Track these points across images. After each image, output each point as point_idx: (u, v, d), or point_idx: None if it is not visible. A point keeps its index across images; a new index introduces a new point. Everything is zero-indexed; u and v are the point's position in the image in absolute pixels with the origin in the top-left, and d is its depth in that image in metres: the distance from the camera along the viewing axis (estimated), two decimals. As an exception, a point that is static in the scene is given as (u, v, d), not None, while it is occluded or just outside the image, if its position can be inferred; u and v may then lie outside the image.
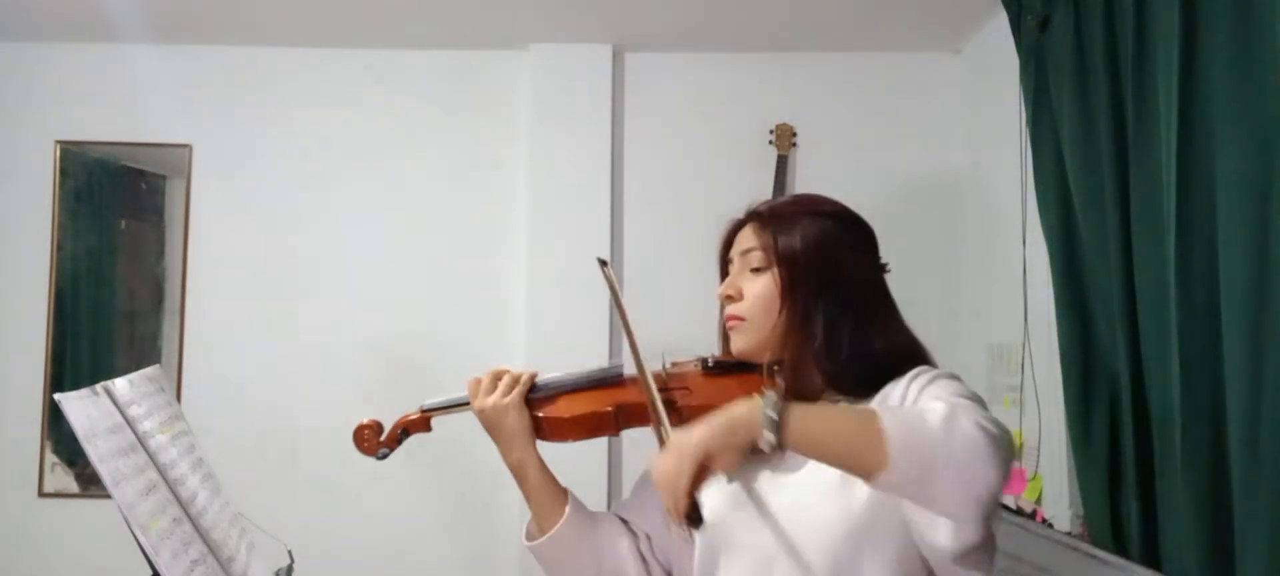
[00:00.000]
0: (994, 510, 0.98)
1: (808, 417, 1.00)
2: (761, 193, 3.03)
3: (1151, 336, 1.81)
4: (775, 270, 1.22)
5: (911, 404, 1.10)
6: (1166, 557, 1.79)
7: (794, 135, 3.10)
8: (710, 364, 1.35)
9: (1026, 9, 2.29)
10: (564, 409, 1.33)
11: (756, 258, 1.25)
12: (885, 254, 1.30)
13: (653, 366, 1.32)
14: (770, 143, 3.09)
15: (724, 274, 1.32)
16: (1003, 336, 2.58)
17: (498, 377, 1.35)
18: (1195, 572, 1.67)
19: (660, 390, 1.25)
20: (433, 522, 3.04)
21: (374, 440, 1.37)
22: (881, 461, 0.95)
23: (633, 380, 1.34)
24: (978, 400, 1.07)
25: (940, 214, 3.07)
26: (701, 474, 1.02)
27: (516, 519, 2.89)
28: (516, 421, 1.32)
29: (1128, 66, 1.88)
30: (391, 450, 1.38)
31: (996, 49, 2.62)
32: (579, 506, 1.36)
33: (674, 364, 1.41)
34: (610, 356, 2.98)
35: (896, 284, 1.30)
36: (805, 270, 1.21)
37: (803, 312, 1.20)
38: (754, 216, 1.29)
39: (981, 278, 2.62)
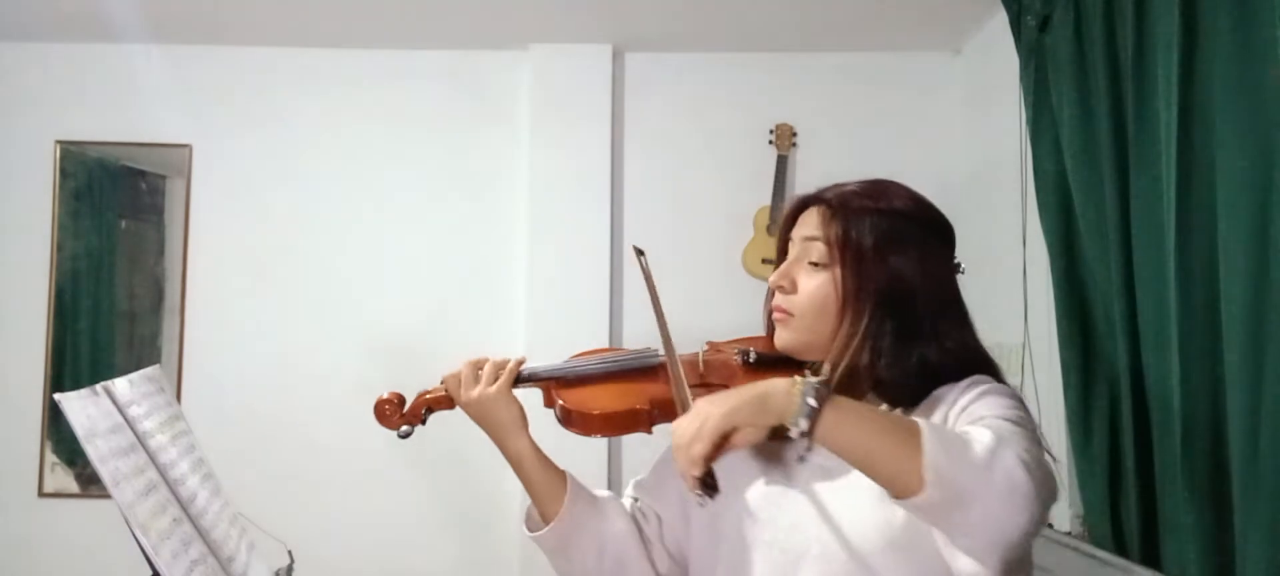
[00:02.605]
0: (1019, 554, 0.93)
1: (847, 417, 0.93)
2: (761, 192, 3.11)
3: (1151, 337, 1.81)
4: (837, 271, 1.12)
5: (959, 415, 1.04)
6: (1166, 557, 1.79)
7: (794, 135, 3.10)
8: (751, 358, 1.24)
9: (1026, 9, 2.29)
10: (594, 402, 1.25)
11: (818, 250, 1.14)
12: None
13: (688, 351, 1.27)
14: (770, 143, 3.09)
15: (782, 254, 1.22)
16: (1003, 336, 2.58)
17: (478, 367, 1.27)
18: (1195, 572, 1.67)
19: (695, 385, 1.18)
20: (433, 522, 3.04)
21: (396, 414, 1.33)
22: (914, 484, 0.89)
23: (665, 369, 1.23)
24: (1029, 425, 1.01)
25: (940, 214, 3.06)
26: (722, 444, 0.95)
27: (516, 518, 2.89)
28: (505, 412, 1.26)
29: (1128, 66, 1.87)
30: (413, 427, 1.33)
31: (996, 49, 2.62)
32: (579, 490, 1.28)
33: (710, 346, 1.31)
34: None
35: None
36: (871, 278, 1.10)
37: (863, 325, 1.10)
38: (822, 201, 1.17)
39: (981, 278, 2.61)
